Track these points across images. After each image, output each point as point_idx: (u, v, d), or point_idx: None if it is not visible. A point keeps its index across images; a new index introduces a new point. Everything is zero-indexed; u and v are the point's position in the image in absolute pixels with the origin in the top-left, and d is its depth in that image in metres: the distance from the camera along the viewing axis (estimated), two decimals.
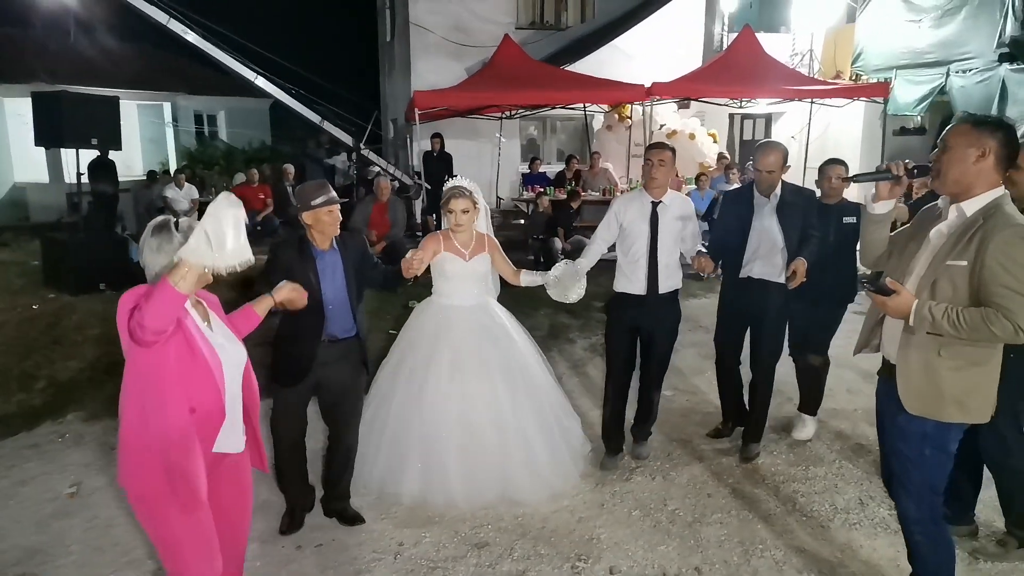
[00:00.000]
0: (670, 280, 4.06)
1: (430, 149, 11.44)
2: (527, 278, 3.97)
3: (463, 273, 3.87)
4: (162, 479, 2.24)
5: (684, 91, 10.10)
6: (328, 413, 3.61)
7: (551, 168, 12.62)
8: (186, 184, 11.27)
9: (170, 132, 19.23)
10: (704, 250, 4.05)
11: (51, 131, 7.52)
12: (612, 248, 4.22)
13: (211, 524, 2.34)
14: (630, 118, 12.11)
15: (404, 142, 12.83)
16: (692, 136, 12.66)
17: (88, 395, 5.29)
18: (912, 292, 2.47)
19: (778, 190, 4.09)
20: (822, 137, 13.13)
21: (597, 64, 12.30)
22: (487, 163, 12.61)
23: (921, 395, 2.49)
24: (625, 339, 4.16)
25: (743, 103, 12.06)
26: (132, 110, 18.36)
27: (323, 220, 3.28)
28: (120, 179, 12.60)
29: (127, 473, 2.29)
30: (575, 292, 3.91)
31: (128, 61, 17.66)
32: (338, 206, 3.32)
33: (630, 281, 4.06)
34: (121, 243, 8.05)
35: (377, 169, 10.36)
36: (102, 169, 11.22)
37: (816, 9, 14.07)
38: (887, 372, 2.65)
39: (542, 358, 4.14)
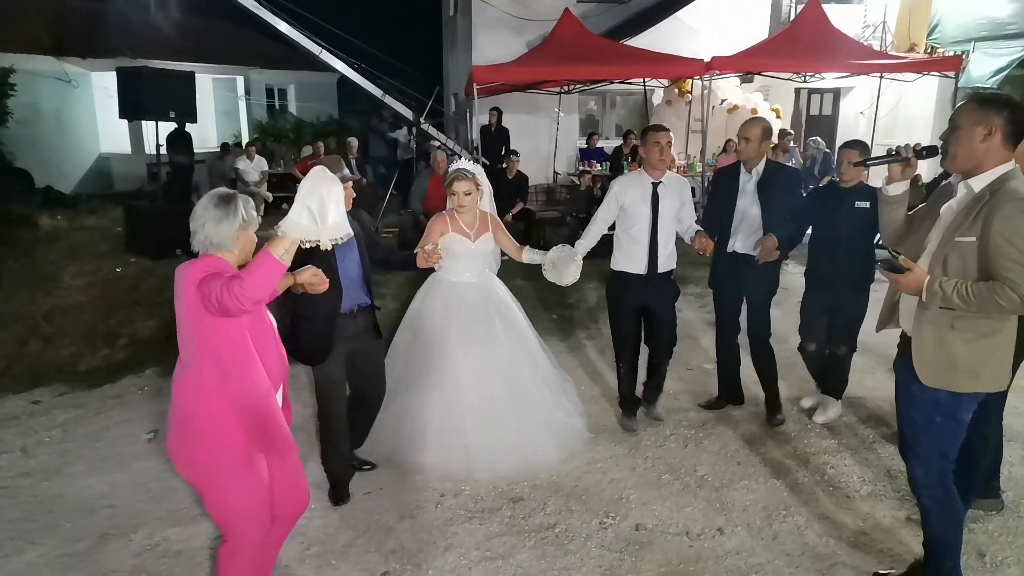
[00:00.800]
0: (668, 260, 4.19)
1: (488, 123, 11.62)
2: (528, 255, 4.09)
3: (470, 252, 4.00)
4: (241, 445, 2.39)
5: (745, 65, 9.95)
6: (357, 378, 3.70)
7: (609, 143, 12.63)
8: (256, 156, 11.77)
9: (243, 105, 19.92)
10: (701, 229, 4.14)
11: (133, 104, 8.02)
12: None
13: (267, 484, 2.51)
14: (690, 92, 11.99)
15: (464, 117, 13.03)
16: (754, 111, 12.44)
17: (165, 352, 5.74)
18: (925, 268, 2.54)
19: (761, 166, 4.17)
20: (892, 113, 12.72)
21: (660, 38, 12.19)
22: (545, 138, 12.70)
23: (935, 366, 2.57)
24: (631, 319, 4.31)
25: (807, 77, 11.78)
26: (207, 84, 19.10)
27: None
28: (196, 150, 13.25)
29: (200, 444, 2.38)
30: (570, 275, 3.98)
31: (203, 35, 18.30)
32: (350, 184, 3.36)
33: (630, 260, 4.17)
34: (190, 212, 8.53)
35: (437, 143, 10.61)
36: (179, 141, 11.80)
37: None
38: (904, 345, 2.75)
39: (533, 330, 4.29)
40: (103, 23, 15.86)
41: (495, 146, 11.13)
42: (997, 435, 3.36)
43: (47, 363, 5.89)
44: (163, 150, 8.72)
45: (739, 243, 4.24)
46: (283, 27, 8.60)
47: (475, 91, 8.99)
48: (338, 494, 3.71)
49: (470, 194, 3.93)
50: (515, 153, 9.82)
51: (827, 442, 4.32)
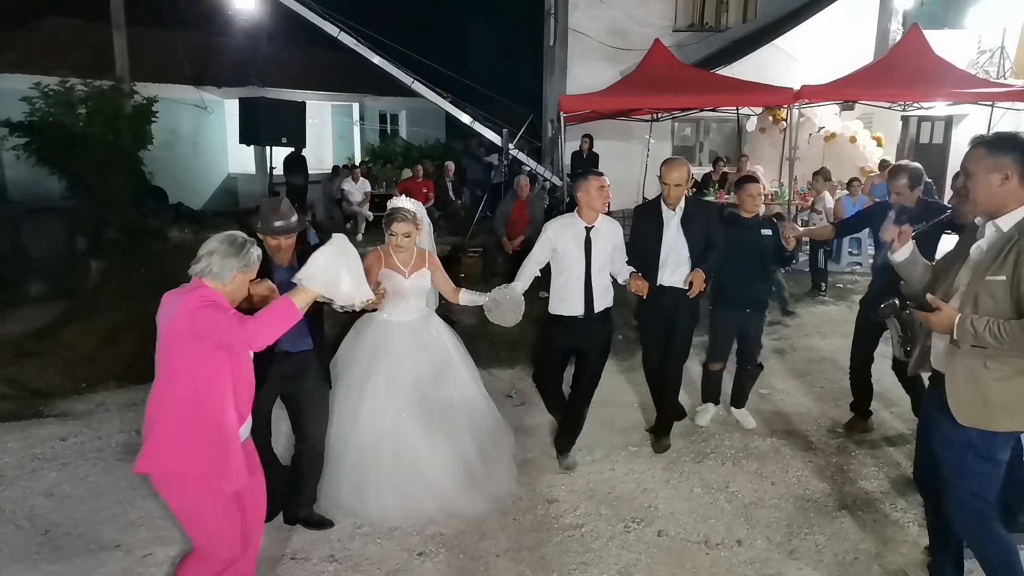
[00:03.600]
0: (603, 300, 4.23)
1: (579, 149, 11.97)
2: (466, 297, 4.03)
3: (403, 289, 3.90)
4: (213, 462, 2.55)
5: (837, 94, 9.83)
6: (294, 422, 3.68)
7: (700, 170, 12.68)
8: (360, 178, 12.63)
9: (357, 130, 21.25)
10: (635, 271, 4.22)
11: (250, 131, 8.93)
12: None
13: (236, 505, 2.70)
14: (785, 120, 11.90)
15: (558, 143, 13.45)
16: (853, 139, 12.21)
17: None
18: (956, 307, 2.59)
19: (682, 203, 4.33)
20: None
21: (756, 66, 12.18)
22: (636, 164, 12.91)
23: (969, 405, 2.60)
24: (559, 357, 4.40)
25: (906, 106, 11.44)
26: (326, 110, 20.57)
27: (270, 244, 3.35)
28: (313, 172, 14.33)
29: (172, 461, 2.54)
30: (511, 316, 3.99)
31: (325, 65, 19.69)
32: (290, 234, 3.38)
33: (566, 303, 4.20)
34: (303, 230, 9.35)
35: (528, 168, 11.06)
36: (295, 164, 12.87)
37: (1006, 2, 12.95)
38: (935, 381, 2.79)
39: (475, 372, 4.23)
40: (237, 55, 17.44)
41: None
42: None
43: None
44: (277, 171, 9.56)
45: (666, 276, 4.36)
46: (376, 60, 9.31)
47: (562, 118, 9.37)
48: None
49: (409, 236, 3.85)
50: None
51: (866, 468, 4.36)
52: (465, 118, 10.37)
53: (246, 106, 8.95)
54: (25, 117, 11.05)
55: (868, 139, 12.36)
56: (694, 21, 13.80)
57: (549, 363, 4.45)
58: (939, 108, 12.79)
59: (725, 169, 12.05)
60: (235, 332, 2.44)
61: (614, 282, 4.30)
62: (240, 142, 9.34)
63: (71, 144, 10.72)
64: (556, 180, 10.45)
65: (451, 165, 12.69)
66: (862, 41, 13.19)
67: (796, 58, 12.77)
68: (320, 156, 19.08)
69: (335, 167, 14.64)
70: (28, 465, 4.41)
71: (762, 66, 12.20)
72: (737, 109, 12.22)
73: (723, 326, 4.80)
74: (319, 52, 20.26)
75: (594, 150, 11.99)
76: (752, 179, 4.69)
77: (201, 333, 2.49)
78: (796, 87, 9.48)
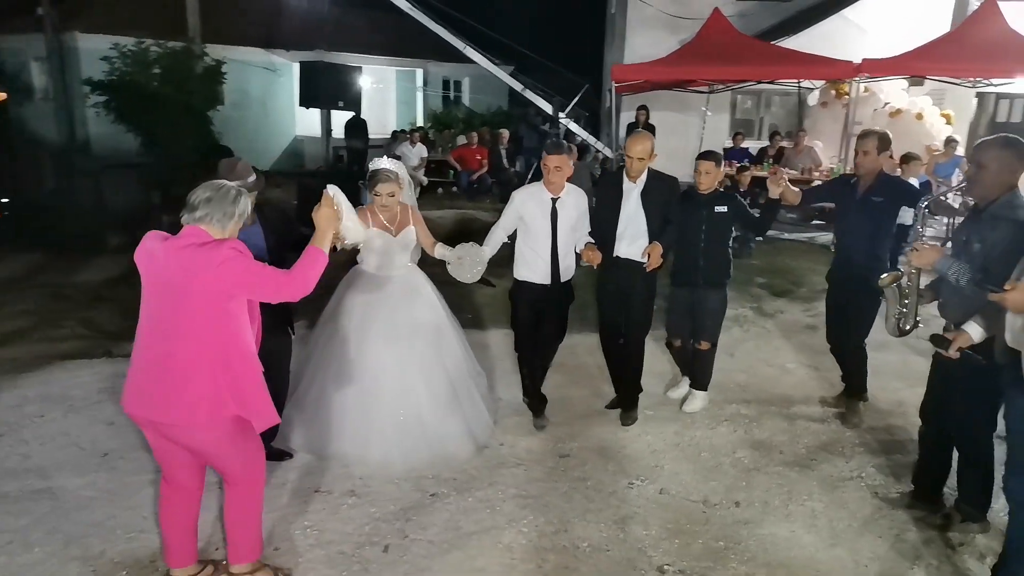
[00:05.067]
0: (568, 270, 4.37)
1: (635, 120, 11.94)
2: (440, 251, 4.19)
3: (392, 247, 4.07)
4: (251, 401, 2.69)
5: (901, 68, 9.54)
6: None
7: (759, 144, 12.49)
8: (418, 143, 12.91)
9: (420, 95, 21.53)
10: (591, 240, 4.29)
11: (310, 94, 9.28)
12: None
13: None
14: (848, 95, 11.58)
15: (617, 112, 13.40)
16: (920, 116, 11.81)
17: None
18: None
19: (644, 175, 4.29)
20: None
21: (821, 37, 11.88)
22: (692, 136, 12.78)
23: None
24: (530, 321, 4.47)
25: (978, 82, 10.97)
26: (391, 75, 20.90)
27: None
28: (375, 136, 14.68)
29: (207, 407, 2.59)
30: (470, 273, 4.15)
31: (388, 30, 19.96)
32: (254, 192, 3.37)
33: (532, 271, 4.33)
34: (355, 191, 9.71)
35: (580, 138, 11.12)
36: (355, 128, 13.25)
37: None
38: (1012, 358, 2.80)
39: (455, 321, 4.44)
40: (305, 19, 17.85)
41: None
42: None
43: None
44: (335, 135, 9.89)
45: (623, 248, 4.36)
46: (431, 24, 9.48)
47: (613, 89, 9.39)
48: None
49: (393, 195, 3.99)
50: None
51: (877, 443, 4.41)
52: (517, 86, 10.49)
53: (306, 70, 9.30)
54: (104, 76, 11.70)
55: (937, 116, 11.93)
56: None
57: (521, 326, 4.50)
58: (1020, 85, 12.22)
59: (783, 144, 11.84)
60: (282, 286, 2.59)
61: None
62: (300, 105, 9.73)
63: (146, 103, 11.31)
64: (607, 151, 10.49)
65: (505, 133, 12.84)
66: (938, 13, 12.65)
67: (865, 30, 12.38)
68: (383, 121, 19.46)
69: (394, 132, 14.97)
70: (94, 397, 4.86)
71: (828, 38, 11.89)
72: (798, 82, 11.95)
73: (675, 302, 4.78)
74: (384, 16, 20.48)
75: (650, 121, 11.94)
76: (706, 155, 4.52)
77: (238, 287, 2.57)
78: (851, 61, 9.25)
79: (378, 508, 3.64)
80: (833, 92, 11.98)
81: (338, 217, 2.91)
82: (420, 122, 20.27)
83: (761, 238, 8.53)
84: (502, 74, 10.40)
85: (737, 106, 14.19)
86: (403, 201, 4.14)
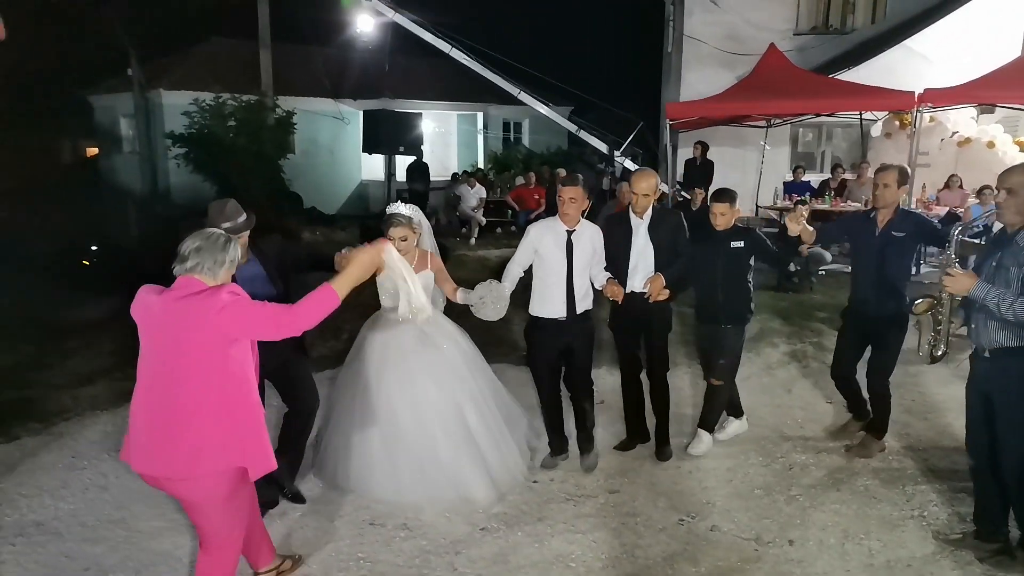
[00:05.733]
0: (584, 302, 4.34)
1: (693, 157, 11.95)
2: (462, 295, 4.20)
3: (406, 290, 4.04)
4: (251, 451, 2.67)
5: (965, 97, 9.31)
6: (283, 392, 3.99)
7: (818, 177, 12.30)
8: (476, 185, 13.23)
9: (481, 138, 22.07)
10: (612, 276, 4.31)
11: (373, 140, 9.69)
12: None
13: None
14: (913, 125, 11.33)
15: (675, 149, 13.45)
16: (991, 144, 11.44)
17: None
18: None
19: (650, 211, 4.33)
20: None
21: (883, 69, 11.68)
22: (751, 170, 12.70)
23: None
24: (549, 359, 4.42)
25: None
26: (452, 119, 21.54)
27: None
28: (437, 179, 15.10)
29: (206, 460, 2.57)
30: (493, 311, 4.12)
31: (449, 76, 20.65)
32: (239, 234, 3.42)
33: (548, 305, 4.31)
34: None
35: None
36: (416, 171, 13.69)
37: None
38: None
39: (484, 365, 4.41)
40: (370, 69, 18.62)
41: (700, 179, 11.42)
42: None
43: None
44: (398, 178, 10.28)
45: (636, 284, 4.38)
46: (486, 73, 9.81)
47: (668, 126, 9.46)
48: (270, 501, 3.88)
49: (406, 239, 4.02)
50: (701, 187, 10.13)
51: (938, 483, 4.26)
52: (571, 127, 10.70)
53: (369, 117, 9.75)
54: (185, 129, 12.49)
55: (1010, 144, 11.53)
56: (817, 24, 13.41)
57: (541, 366, 4.45)
58: None
59: (844, 176, 11.63)
60: (283, 325, 2.59)
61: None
62: (363, 151, 10.16)
63: (221, 153, 12.00)
64: (664, 187, 10.50)
65: (562, 172, 12.99)
66: (1007, 39, 12.31)
67: (930, 59, 12.12)
68: (446, 163, 20.02)
69: (454, 174, 15.37)
70: None
71: (890, 69, 11.68)
72: (860, 114, 11.77)
73: (700, 339, 4.77)
74: (445, 63, 21.10)
75: (708, 157, 11.92)
76: (720, 196, 4.47)
77: (240, 331, 2.59)
78: (912, 91, 9.09)
79: (429, 541, 3.73)
80: (897, 123, 11.73)
81: (376, 269, 2.91)
82: (481, 163, 20.75)
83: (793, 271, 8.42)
84: (556, 116, 10.64)
85: (799, 139, 14.03)
86: (423, 247, 4.20)
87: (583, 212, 4.29)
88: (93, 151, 21.18)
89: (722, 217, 4.44)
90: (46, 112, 19.34)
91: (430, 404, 4.03)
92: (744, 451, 4.74)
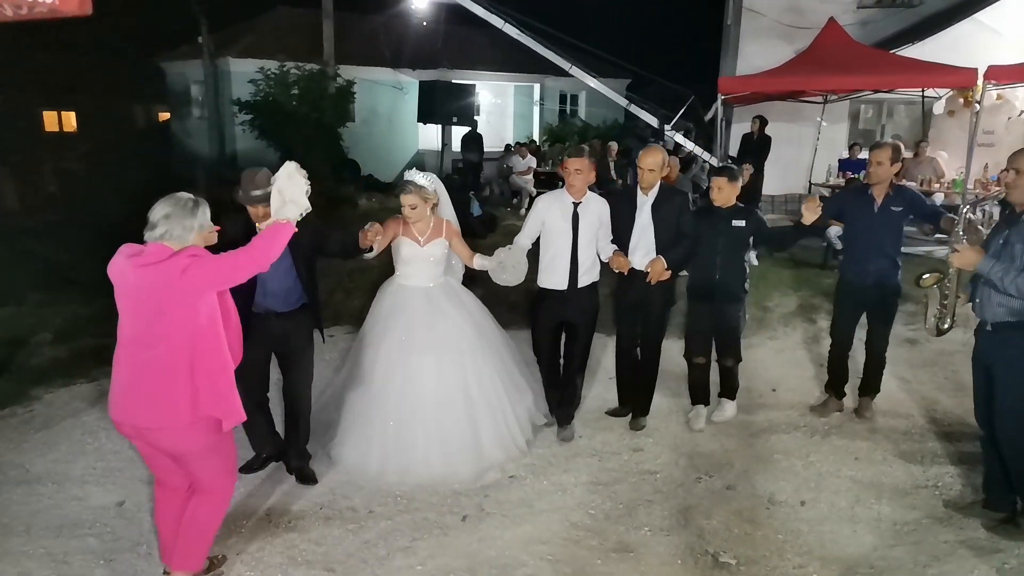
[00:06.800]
0: (588, 275, 4.38)
1: (750, 131, 11.83)
2: (479, 261, 4.23)
3: (418, 257, 4.12)
4: (223, 403, 2.79)
5: None
6: (284, 378, 4.00)
7: None
8: (528, 155, 13.40)
9: (537, 110, 22.12)
10: (618, 248, 4.37)
11: (427, 111, 9.95)
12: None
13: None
14: (978, 103, 11.00)
15: (728, 123, 13.31)
16: None
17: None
18: None
19: (656, 189, 4.32)
20: None
21: (950, 43, 11.31)
22: (807, 146, 12.50)
23: None
24: (549, 329, 4.50)
25: None
26: (509, 90, 21.63)
27: (252, 212, 3.59)
28: (492, 149, 15.29)
29: (185, 411, 2.70)
30: (514, 275, 4.18)
31: (506, 47, 20.67)
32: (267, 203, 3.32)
33: (552, 277, 4.37)
34: (464, 201, 10.26)
35: (688, 148, 11.20)
36: (471, 141, 13.90)
37: None
38: None
39: (497, 337, 4.43)
40: (430, 40, 18.85)
41: (756, 154, 11.32)
42: None
43: (345, 308, 7.78)
44: (453, 148, 10.50)
45: (637, 260, 4.42)
46: (538, 48, 9.92)
47: (719, 100, 9.45)
48: (253, 464, 4.04)
49: (415, 207, 4.02)
50: (757, 162, 10.10)
51: (957, 458, 4.35)
52: (621, 100, 10.75)
53: (424, 88, 10.00)
54: (251, 97, 12.97)
55: None
56: None
57: (541, 335, 4.54)
58: None
59: (906, 155, 11.36)
60: (239, 264, 2.72)
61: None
62: (417, 120, 10.42)
63: (284, 120, 12.44)
64: (713, 161, 10.50)
65: (614, 145, 13.07)
66: None
67: (1002, 33, 11.67)
68: (502, 134, 20.17)
69: (507, 145, 15.55)
70: None
71: (958, 44, 11.28)
72: (922, 91, 11.46)
73: (694, 317, 4.75)
74: (503, 35, 21.25)
75: (766, 132, 11.76)
76: (720, 171, 4.52)
77: (204, 285, 2.69)
78: (971, 68, 8.86)
79: (461, 484, 4.03)
80: (961, 100, 11.37)
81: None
82: (536, 135, 20.83)
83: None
84: (606, 89, 10.69)
85: (860, 116, 13.71)
86: (442, 215, 4.25)
87: (590, 184, 4.36)
88: (165, 116, 22.05)
89: (720, 192, 4.47)
90: (123, 78, 20.26)
91: (425, 374, 4.04)
92: (770, 419, 4.91)
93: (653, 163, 4.32)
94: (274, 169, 3.06)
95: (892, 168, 4.39)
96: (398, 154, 19.37)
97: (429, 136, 18.81)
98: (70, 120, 21.72)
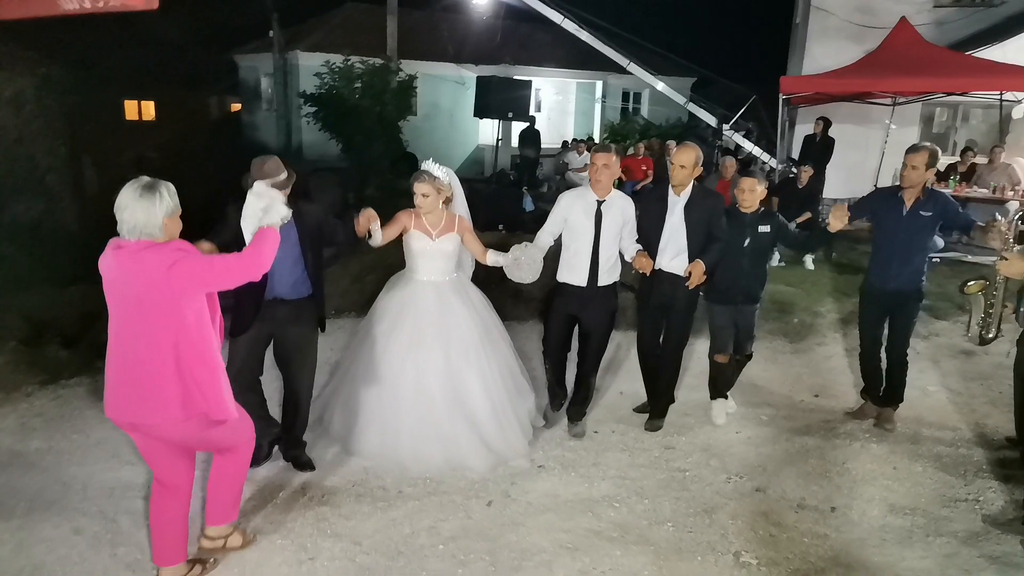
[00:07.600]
0: (609, 274, 4.33)
1: (813, 133, 11.54)
2: (492, 257, 4.20)
3: (429, 251, 4.09)
4: (212, 399, 2.79)
5: None
6: (281, 365, 3.94)
7: (947, 159, 11.55)
8: (585, 152, 13.38)
9: (598, 107, 22.05)
10: (642, 248, 4.31)
11: (483, 105, 10.06)
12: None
13: None
14: None
15: (792, 124, 13.00)
16: None
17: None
18: None
19: (689, 190, 4.23)
20: None
21: None
22: (874, 150, 12.10)
23: None
24: (562, 324, 4.47)
25: None
26: (571, 87, 21.64)
27: None
28: (549, 145, 15.32)
29: (185, 400, 2.69)
30: (529, 273, 4.16)
31: (569, 44, 20.67)
32: (287, 189, 3.50)
33: (572, 272, 4.33)
34: (518, 196, 10.35)
35: (747, 148, 11.03)
36: (528, 137, 14.00)
37: None
38: None
39: (501, 337, 4.40)
40: (492, 35, 19.03)
41: (819, 156, 11.04)
42: None
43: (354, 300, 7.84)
44: (508, 144, 10.62)
45: (665, 262, 4.37)
46: (597, 44, 9.91)
47: (781, 101, 9.26)
48: (256, 454, 3.83)
49: (428, 196, 3.99)
50: (819, 164, 9.85)
51: (1001, 473, 4.21)
52: (679, 99, 10.64)
53: (481, 83, 10.12)
54: (316, 90, 13.33)
55: None
56: None
57: (553, 328, 4.53)
58: None
59: (975, 160, 10.92)
60: (233, 271, 2.68)
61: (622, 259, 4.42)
62: (474, 115, 10.54)
63: (346, 113, 12.74)
64: (773, 162, 10.30)
65: (672, 144, 12.92)
66: None
67: None
68: (562, 131, 20.19)
69: (564, 142, 15.56)
70: None
71: None
72: (1000, 94, 10.97)
73: (718, 318, 4.69)
74: (566, 31, 21.29)
75: (829, 134, 11.46)
76: (749, 172, 4.44)
77: (191, 285, 2.63)
78: None
79: (489, 471, 4.12)
80: None
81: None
82: (597, 133, 20.75)
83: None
84: (665, 88, 10.61)
85: (935, 119, 13.20)
86: (454, 211, 4.20)
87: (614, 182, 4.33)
88: (237, 107, 22.83)
89: (750, 193, 4.44)
90: (200, 70, 21.04)
91: (434, 370, 4.05)
92: (808, 424, 4.84)
93: (685, 160, 4.29)
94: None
95: (927, 173, 4.29)
96: (458, 149, 19.61)
97: (487, 132, 18.95)
98: (149, 109, 22.67)
